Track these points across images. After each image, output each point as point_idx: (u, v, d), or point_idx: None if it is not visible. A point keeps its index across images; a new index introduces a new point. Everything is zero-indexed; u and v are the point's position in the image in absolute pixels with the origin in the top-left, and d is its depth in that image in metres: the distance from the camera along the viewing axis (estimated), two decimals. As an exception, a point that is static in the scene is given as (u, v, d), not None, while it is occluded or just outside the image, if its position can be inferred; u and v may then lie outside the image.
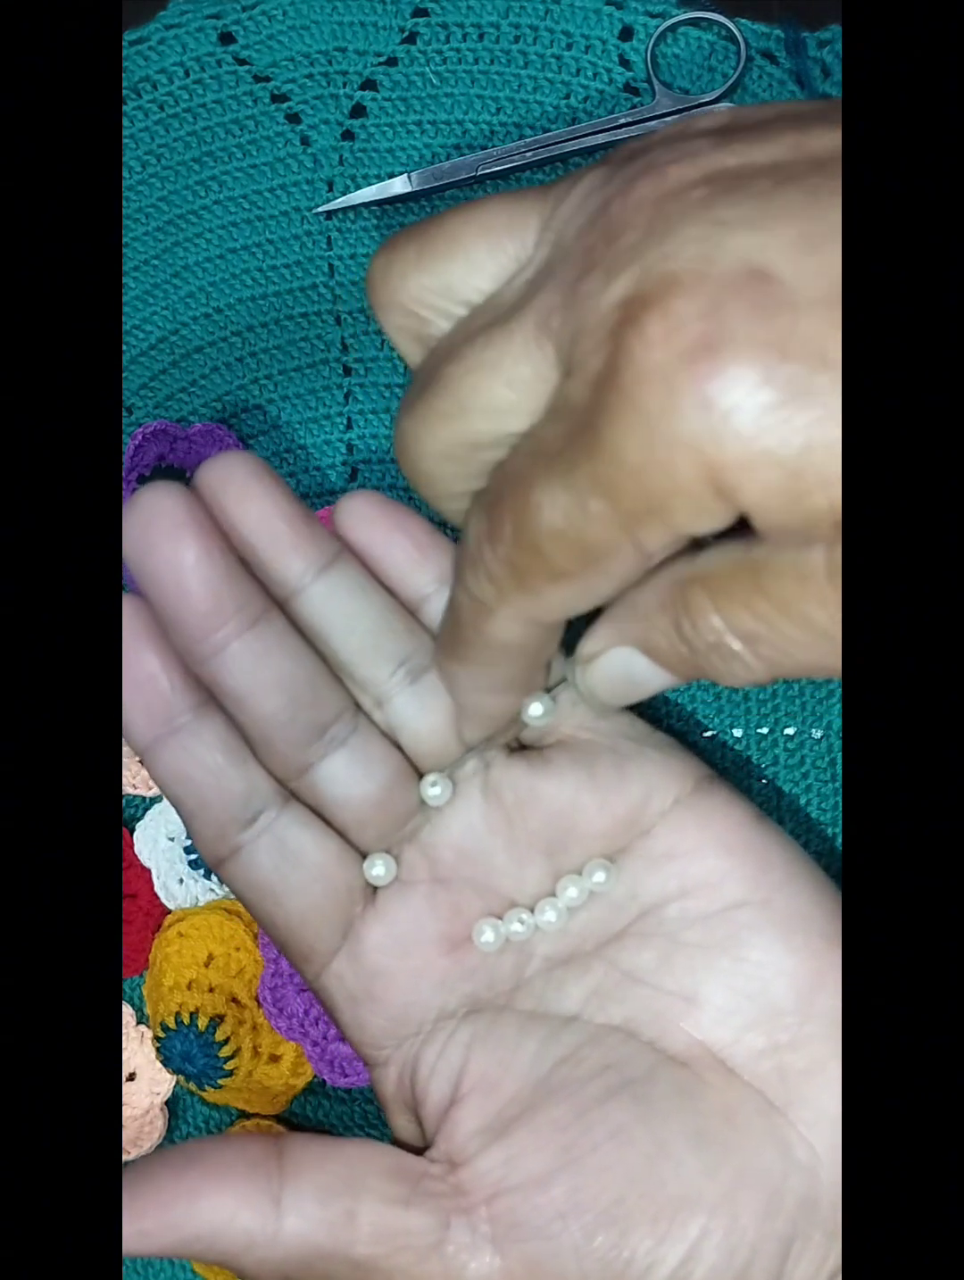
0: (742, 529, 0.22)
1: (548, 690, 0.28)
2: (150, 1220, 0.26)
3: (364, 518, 0.28)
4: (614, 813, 0.28)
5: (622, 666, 0.26)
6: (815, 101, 0.23)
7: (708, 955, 0.28)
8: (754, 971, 0.28)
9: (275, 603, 0.27)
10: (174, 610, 0.26)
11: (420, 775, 0.29)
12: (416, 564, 0.28)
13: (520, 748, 0.29)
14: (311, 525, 0.27)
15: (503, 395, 0.23)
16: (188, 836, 0.37)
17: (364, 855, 0.29)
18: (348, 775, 0.28)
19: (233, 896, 0.37)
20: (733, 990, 0.28)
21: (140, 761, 0.37)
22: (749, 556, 0.22)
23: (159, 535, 0.26)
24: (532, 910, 0.28)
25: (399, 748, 0.29)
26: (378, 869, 0.28)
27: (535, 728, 0.29)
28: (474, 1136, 0.27)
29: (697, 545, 0.23)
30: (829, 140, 0.21)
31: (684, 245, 0.21)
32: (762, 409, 0.20)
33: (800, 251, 0.20)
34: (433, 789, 0.28)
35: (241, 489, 0.26)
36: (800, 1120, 0.27)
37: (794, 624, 0.22)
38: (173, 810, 0.37)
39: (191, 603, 0.26)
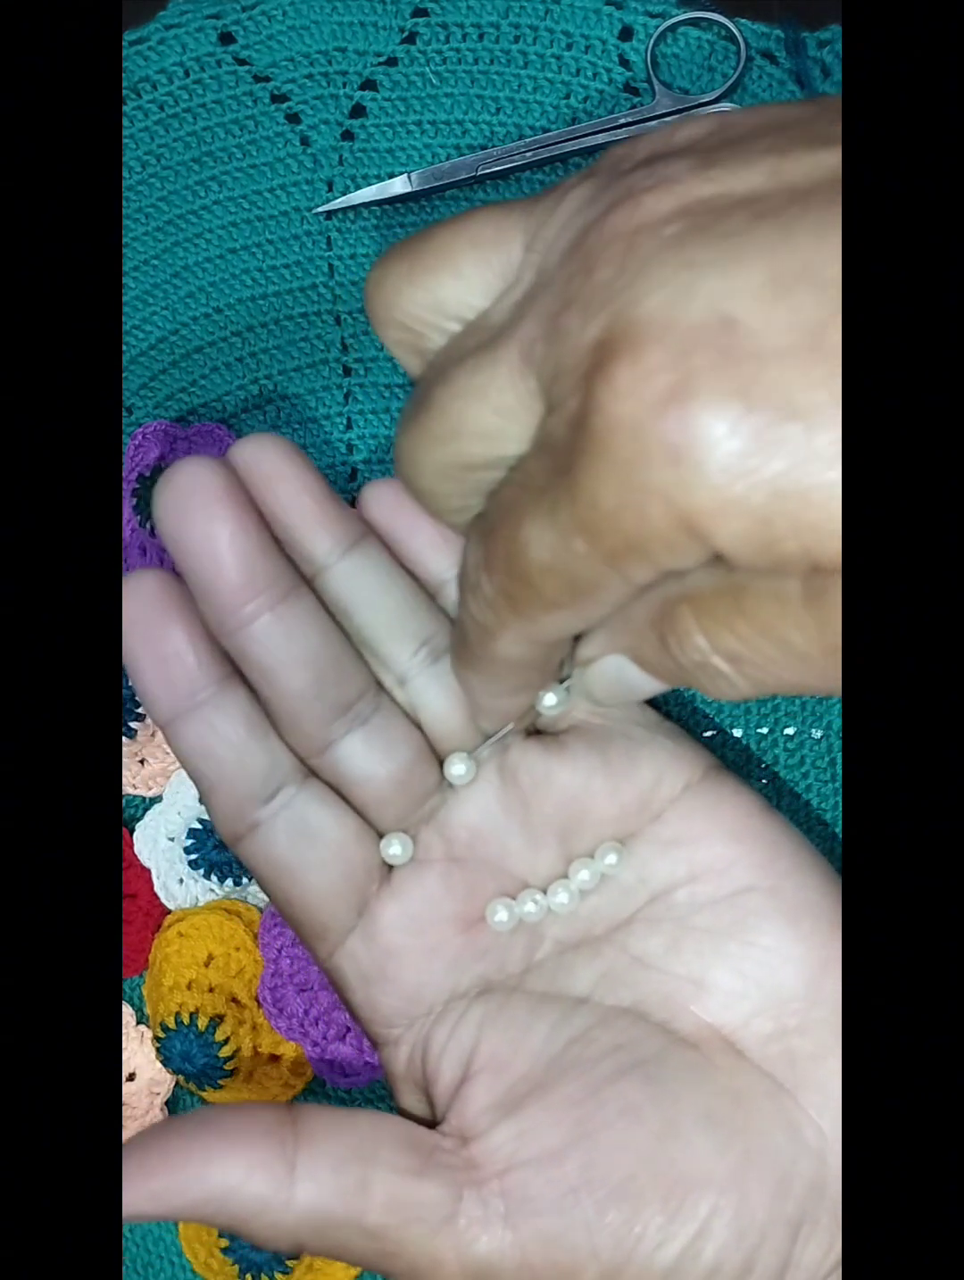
0: None
1: (562, 680, 0.28)
2: (160, 1181, 0.26)
3: (389, 503, 0.29)
4: (625, 798, 0.29)
5: (615, 672, 0.27)
6: (803, 106, 0.23)
7: (716, 940, 0.28)
8: (762, 957, 0.28)
9: (304, 580, 0.28)
10: (207, 582, 0.26)
11: (440, 755, 0.29)
12: (438, 548, 0.29)
13: (536, 732, 0.30)
14: (339, 505, 0.28)
15: (491, 422, 0.23)
16: (188, 837, 0.36)
17: (381, 834, 0.29)
18: (368, 753, 0.28)
19: (232, 897, 0.37)
20: (741, 975, 0.28)
21: (139, 763, 0.37)
22: (732, 579, 0.23)
23: (196, 507, 0.26)
24: (544, 892, 0.29)
25: (419, 728, 0.29)
26: (395, 849, 0.28)
27: (549, 716, 0.29)
28: (486, 1112, 0.27)
29: None
30: (809, 165, 0.21)
31: (654, 289, 0.21)
32: (729, 459, 0.20)
33: (770, 297, 0.20)
34: (457, 768, 0.28)
35: (272, 468, 0.27)
36: (809, 1104, 0.27)
37: (774, 646, 0.23)
38: (171, 812, 0.37)
39: (224, 575, 0.26)
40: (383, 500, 0.29)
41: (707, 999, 0.28)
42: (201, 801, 0.29)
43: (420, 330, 0.25)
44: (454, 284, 0.24)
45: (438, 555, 0.29)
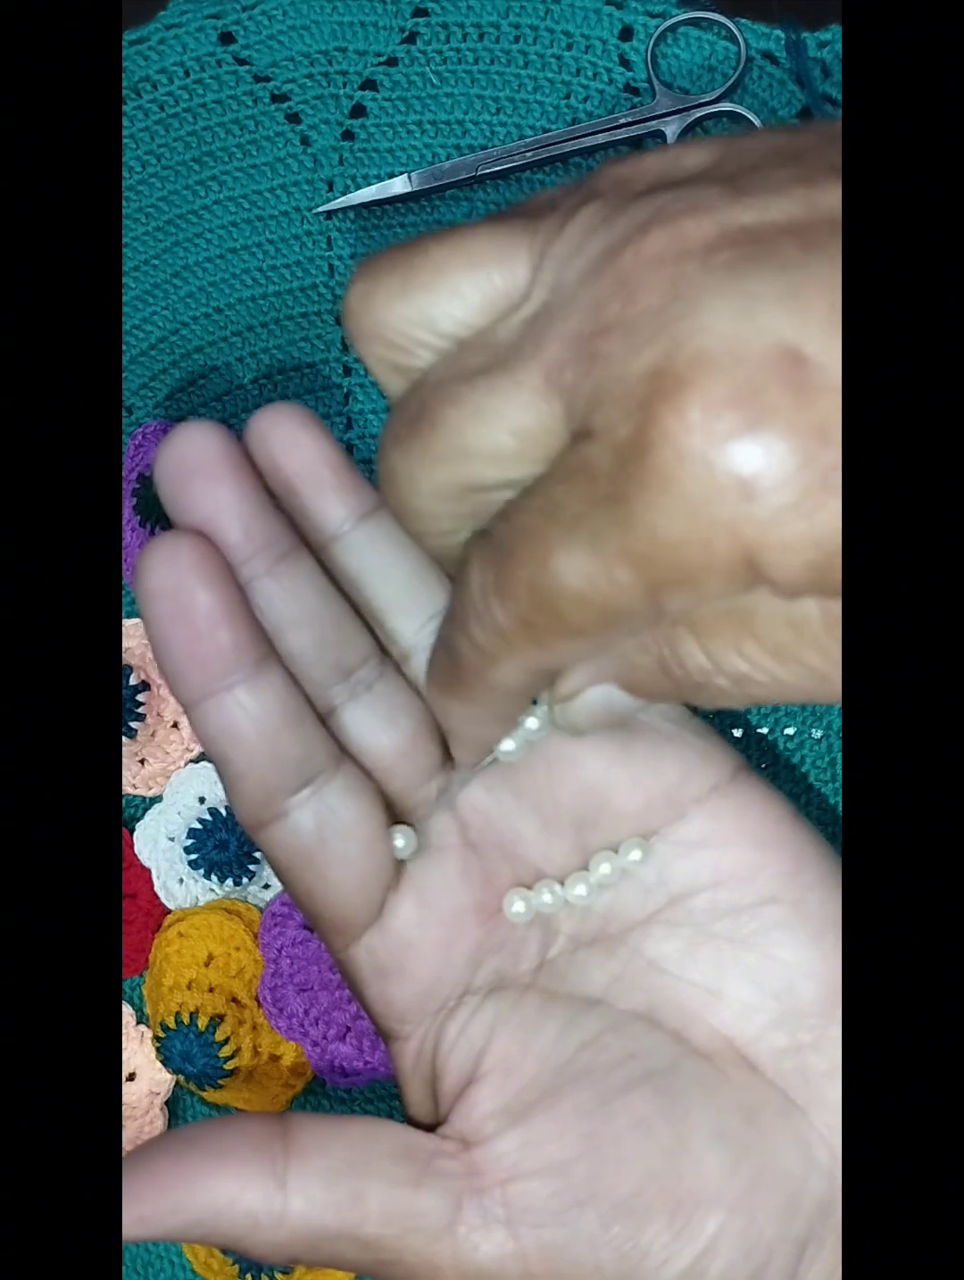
0: None
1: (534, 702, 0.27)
2: (149, 1205, 0.25)
3: None
4: (647, 792, 0.28)
5: (602, 701, 0.26)
6: (807, 132, 0.23)
7: (735, 950, 0.28)
8: (782, 971, 0.27)
9: (310, 547, 0.27)
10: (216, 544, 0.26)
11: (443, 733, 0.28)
12: None
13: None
14: (354, 474, 0.27)
15: (505, 443, 0.23)
16: (188, 837, 0.37)
17: (397, 818, 0.28)
18: (373, 722, 0.28)
19: (232, 897, 0.37)
20: (758, 987, 0.27)
21: (139, 763, 0.37)
22: (738, 602, 0.22)
23: (194, 470, 0.26)
24: (561, 884, 0.28)
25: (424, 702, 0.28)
26: (399, 841, 0.27)
27: (528, 744, 0.28)
28: (492, 1117, 0.27)
29: None
30: (837, 195, 0.21)
31: (716, 320, 0.20)
32: (801, 494, 0.20)
33: (832, 331, 0.20)
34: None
35: (288, 435, 0.27)
36: (821, 1122, 0.27)
37: (786, 667, 0.22)
38: (171, 812, 0.37)
39: (222, 537, 0.26)
40: None
41: (721, 1009, 0.27)
42: (222, 785, 0.27)
43: (408, 347, 0.25)
44: (450, 302, 0.24)
45: None
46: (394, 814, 0.28)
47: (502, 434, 0.23)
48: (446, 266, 0.24)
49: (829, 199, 0.21)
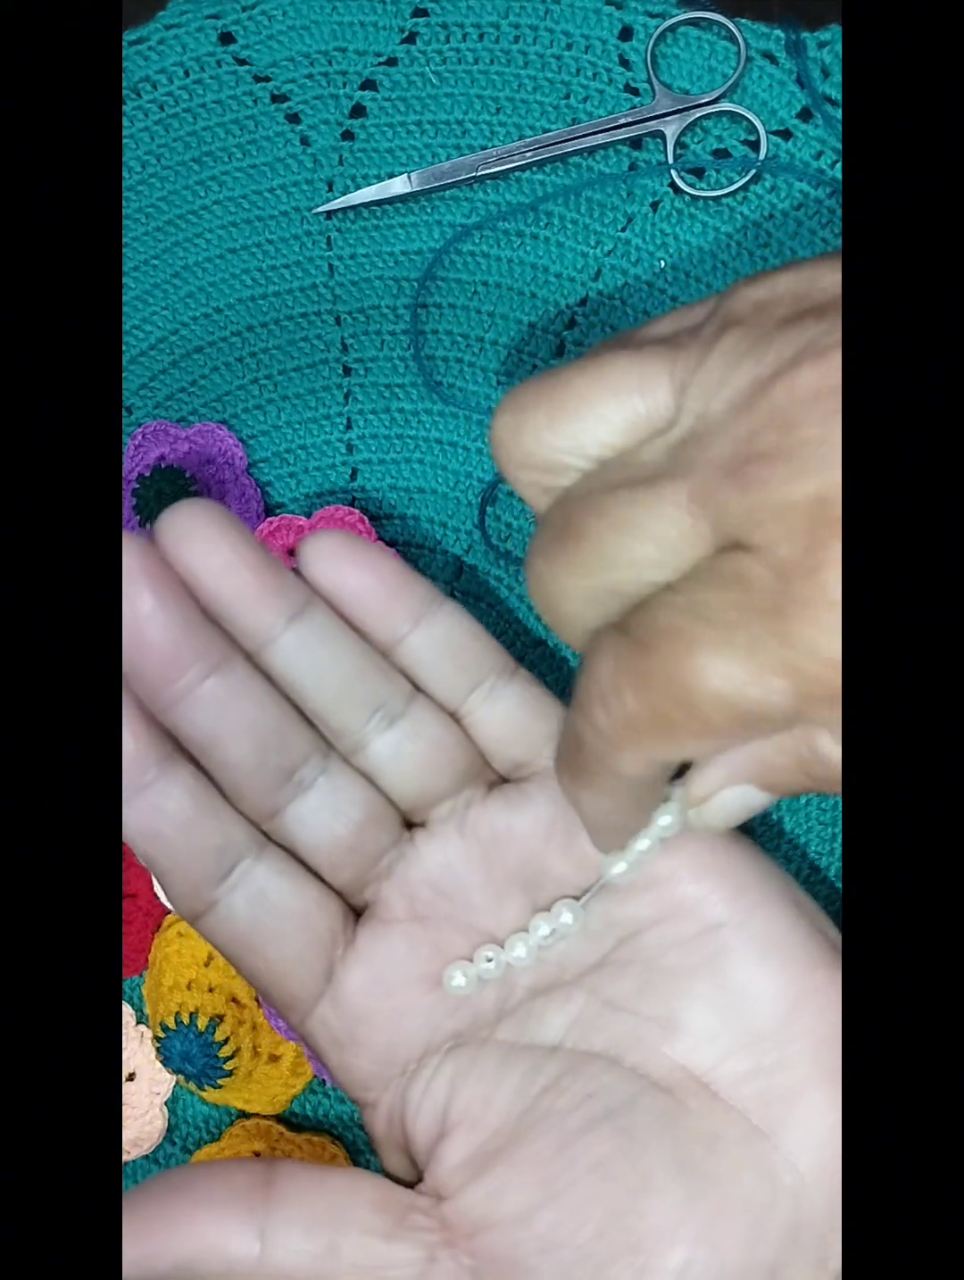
0: None
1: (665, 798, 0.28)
2: (133, 1250, 0.26)
3: (333, 559, 0.28)
4: (581, 852, 0.28)
5: (739, 800, 0.26)
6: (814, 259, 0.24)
7: (687, 980, 0.28)
8: (733, 995, 0.27)
9: (241, 650, 0.27)
10: (134, 660, 0.26)
11: (404, 818, 0.29)
12: (389, 605, 0.28)
13: (501, 781, 0.30)
14: (279, 574, 0.27)
15: (648, 552, 0.24)
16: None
17: (341, 895, 0.29)
18: (317, 818, 0.28)
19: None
20: (714, 1014, 0.27)
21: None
22: None
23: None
24: (502, 947, 0.28)
25: (380, 788, 0.29)
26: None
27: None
28: (459, 1170, 0.27)
29: None
30: None
31: None
32: None
33: None
34: (616, 868, 0.28)
35: (205, 540, 0.26)
36: (784, 1144, 0.27)
37: None
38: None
39: (151, 652, 0.26)
40: (326, 556, 0.28)
41: (678, 1039, 0.28)
42: (157, 884, 0.28)
43: (558, 471, 0.26)
44: (597, 427, 0.25)
45: (390, 613, 0.28)
46: (349, 899, 0.29)
47: (645, 543, 0.24)
48: (590, 395, 0.25)
49: None
